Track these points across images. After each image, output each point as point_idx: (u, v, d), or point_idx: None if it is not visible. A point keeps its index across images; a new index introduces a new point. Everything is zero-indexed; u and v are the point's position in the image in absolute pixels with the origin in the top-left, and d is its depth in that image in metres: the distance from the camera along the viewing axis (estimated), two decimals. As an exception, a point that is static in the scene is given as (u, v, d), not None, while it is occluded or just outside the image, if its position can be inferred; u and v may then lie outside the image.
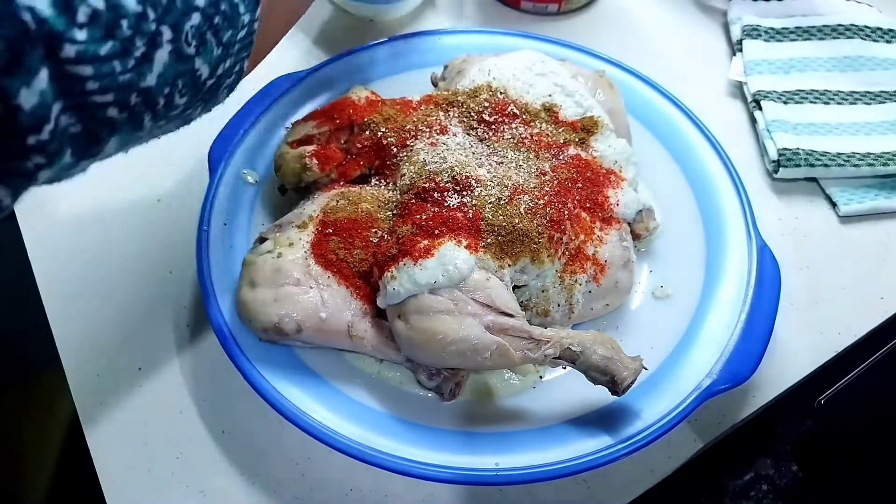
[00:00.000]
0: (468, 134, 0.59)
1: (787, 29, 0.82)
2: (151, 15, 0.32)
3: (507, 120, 0.59)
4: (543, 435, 0.51)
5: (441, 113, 0.60)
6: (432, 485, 0.51)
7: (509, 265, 0.51)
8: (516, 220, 0.51)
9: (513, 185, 0.53)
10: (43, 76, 0.28)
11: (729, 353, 0.53)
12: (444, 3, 0.86)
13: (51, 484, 1.21)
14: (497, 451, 0.49)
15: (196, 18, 0.34)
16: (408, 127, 0.58)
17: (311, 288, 0.51)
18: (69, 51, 0.29)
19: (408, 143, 0.58)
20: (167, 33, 0.33)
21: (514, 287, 0.53)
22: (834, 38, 0.80)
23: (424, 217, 0.51)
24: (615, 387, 0.48)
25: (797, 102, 0.75)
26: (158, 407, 0.56)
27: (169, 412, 0.55)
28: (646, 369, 0.49)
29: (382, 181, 0.59)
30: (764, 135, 0.73)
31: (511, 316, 0.49)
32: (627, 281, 0.56)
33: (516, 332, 0.48)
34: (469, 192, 0.53)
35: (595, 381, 0.49)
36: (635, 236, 0.59)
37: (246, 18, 0.38)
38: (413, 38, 0.73)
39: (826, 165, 0.69)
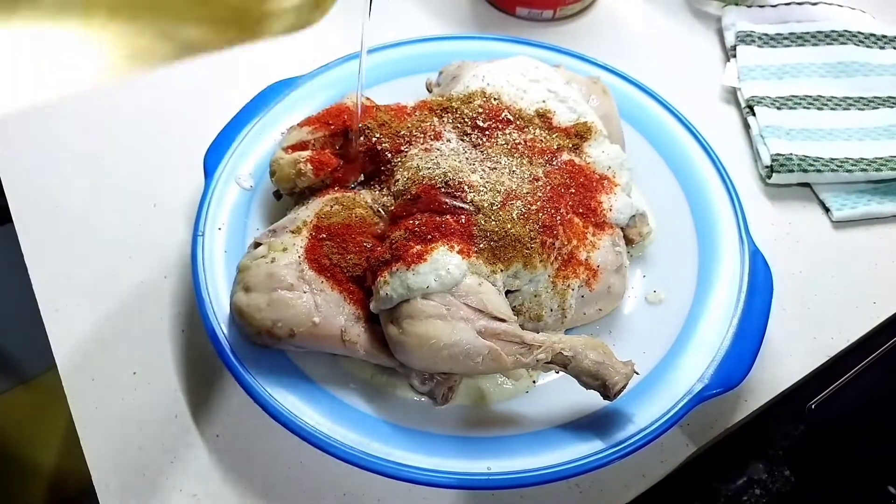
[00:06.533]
0: (462, 140, 0.59)
1: (780, 35, 0.82)
2: None
3: (500, 126, 0.59)
4: (536, 439, 0.51)
5: (435, 119, 0.60)
6: (425, 489, 0.51)
7: (502, 270, 0.51)
8: (509, 226, 0.51)
9: (506, 190, 0.54)
10: None
11: (721, 357, 0.53)
12: (439, 9, 0.86)
13: (47, 487, 1.21)
14: (489, 456, 0.50)
15: None
16: (402, 133, 0.59)
17: (305, 293, 0.51)
18: None
19: (402, 148, 0.58)
20: None
21: (507, 292, 0.53)
22: (827, 44, 0.81)
23: (417, 222, 0.52)
24: (606, 391, 0.48)
25: (791, 108, 0.75)
26: (153, 411, 0.56)
27: (163, 416, 0.56)
28: (637, 374, 0.49)
29: (377, 186, 0.59)
30: (757, 140, 0.73)
31: (503, 321, 0.49)
32: (620, 286, 0.56)
33: (508, 337, 0.48)
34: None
35: (587, 386, 0.49)
36: (628, 241, 0.59)
37: None
38: (408, 44, 0.74)
39: (819, 171, 0.69)
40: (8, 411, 1.28)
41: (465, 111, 0.60)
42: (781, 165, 0.69)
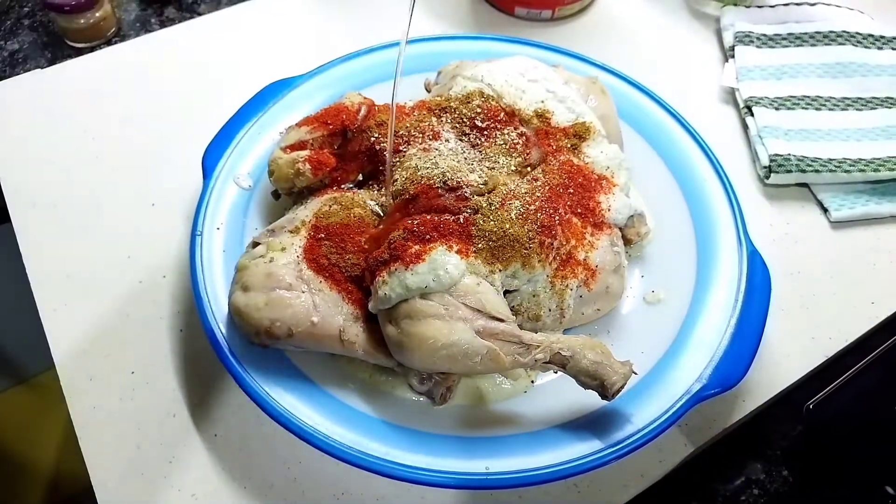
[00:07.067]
0: (460, 140, 0.59)
1: (779, 35, 0.82)
2: None
3: (499, 126, 0.59)
4: (534, 439, 0.51)
5: (434, 119, 0.60)
6: (424, 488, 0.51)
7: (500, 270, 0.51)
8: (507, 226, 0.51)
9: (504, 190, 0.54)
10: None
11: (719, 357, 0.53)
12: (439, 9, 0.86)
13: (45, 487, 1.21)
14: (488, 455, 0.50)
15: None
16: (400, 132, 0.59)
17: (303, 292, 0.51)
18: None
19: (400, 148, 0.58)
20: None
21: (506, 292, 0.53)
22: (826, 44, 0.81)
23: (416, 222, 0.52)
24: (605, 391, 0.48)
25: (789, 108, 0.75)
26: (151, 411, 0.56)
27: (162, 416, 0.56)
28: (635, 374, 0.49)
29: (375, 186, 0.59)
30: (756, 140, 0.73)
31: (502, 321, 0.49)
32: (618, 286, 0.56)
33: (507, 337, 0.48)
34: (461, 198, 0.53)
35: (585, 386, 0.49)
36: (627, 241, 0.59)
37: None
38: (407, 44, 0.73)
39: (817, 171, 0.69)
40: (6, 411, 1.28)
41: (464, 111, 0.60)
42: (780, 166, 0.69)
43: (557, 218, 0.54)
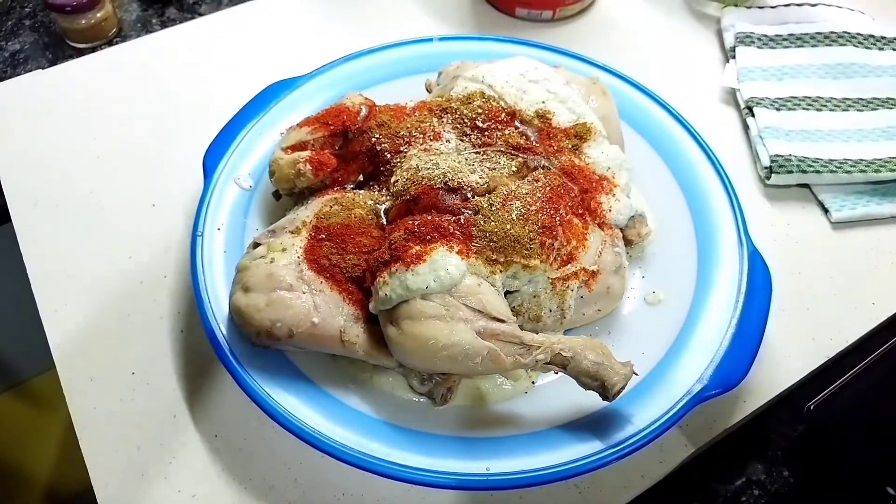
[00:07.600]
0: (461, 140, 0.59)
1: (780, 36, 0.82)
2: None
3: (500, 126, 0.59)
4: (535, 440, 0.51)
5: (435, 119, 0.60)
6: (424, 489, 0.51)
7: (501, 271, 0.51)
8: (508, 226, 0.51)
9: (505, 191, 0.54)
10: None
11: (720, 358, 0.53)
12: (440, 10, 0.86)
13: (45, 487, 1.21)
14: (488, 456, 0.50)
15: None
16: (401, 133, 0.59)
17: (304, 293, 0.51)
18: None
19: (401, 149, 0.58)
20: None
21: (506, 292, 0.53)
22: (827, 45, 0.81)
23: (416, 223, 0.52)
24: (605, 392, 0.48)
25: (790, 109, 0.75)
26: (152, 411, 0.56)
27: (162, 416, 0.56)
28: (636, 374, 0.49)
29: (376, 187, 0.59)
30: (756, 141, 0.73)
31: (502, 321, 0.49)
32: (619, 286, 0.56)
33: (507, 338, 0.48)
34: (461, 198, 0.53)
35: (586, 387, 0.49)
36: (627, 242, 0.59)
37: None
38: (408, 45, 0.74)
39: (818, 172, 0.69)
40: (6, 412, 1.28)
41: (465, 112, 0.60)
42: (780, 166, 0.69)
43: (558, 218, 0.54)
